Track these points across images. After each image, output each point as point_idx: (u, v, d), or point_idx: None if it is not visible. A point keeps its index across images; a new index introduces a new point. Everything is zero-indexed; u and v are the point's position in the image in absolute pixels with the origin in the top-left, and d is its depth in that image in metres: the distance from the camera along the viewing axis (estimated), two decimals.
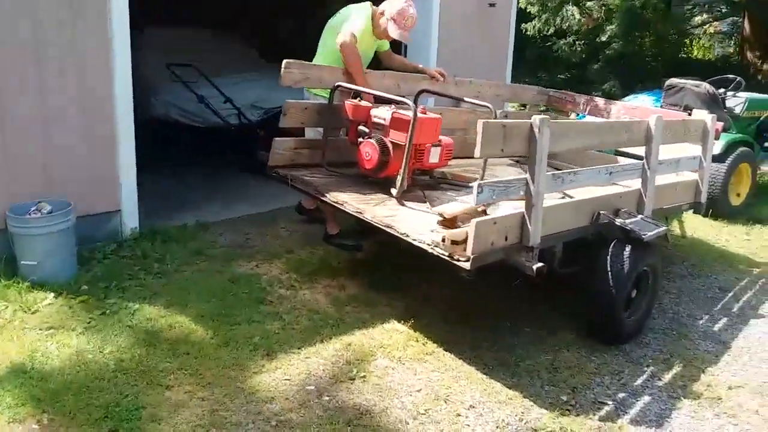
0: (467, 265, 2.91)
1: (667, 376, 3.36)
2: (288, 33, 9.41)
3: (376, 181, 3.83)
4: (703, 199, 4.55)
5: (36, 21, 3.79)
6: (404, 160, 3.53)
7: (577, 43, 10.42)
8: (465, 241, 2.97)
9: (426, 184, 4.00)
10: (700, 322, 3.99)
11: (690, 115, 5.26)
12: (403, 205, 3.60)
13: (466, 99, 4.22)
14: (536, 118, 3.02)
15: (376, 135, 3.71)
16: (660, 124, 3.85)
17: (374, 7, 4.33)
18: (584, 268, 3.60)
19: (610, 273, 3.46)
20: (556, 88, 10.18)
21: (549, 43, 10.74)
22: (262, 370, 3.08)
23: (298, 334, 3.41)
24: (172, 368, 3.02)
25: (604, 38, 10.00)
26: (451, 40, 6.22)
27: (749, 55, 10.81)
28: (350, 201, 3.53)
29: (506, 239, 3.08)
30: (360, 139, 3.77)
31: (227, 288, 3.81)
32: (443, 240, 2.98)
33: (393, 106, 3.83)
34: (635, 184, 3.90)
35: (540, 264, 3.08)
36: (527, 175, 3.08)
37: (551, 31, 10.42)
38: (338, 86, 3.90)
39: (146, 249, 4.20)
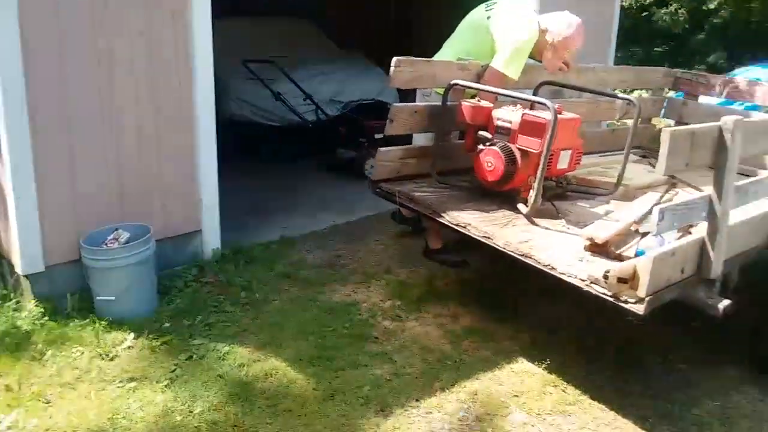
0: (640, 309, 2.27)
1: None
2: (367, 16, 8.82)
3: (496, 194, 3.23)
4: None
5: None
6: (539, 172, 2.90)
7: (679, 11, 9.35)
8: (634, 277, 2.33)
9: (553, 194, 3.36)
10: None
11: None
12: (535, 224, 2.98)
13: (604, 92, 3.57)
14: (727, 120, 2.33)
15: (500, 141, 3.10)
16: None
17: (539, 19, 3.55)
18: (755, 294, 2.91)
19: None
20: (652, 62, 9.20)
21: (645, 14, 9.71)
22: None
23: (413, 381, 2.86)
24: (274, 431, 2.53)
25: (712, 5, 8.91)
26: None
27: None
28: (474, 222, 2.93)
29: (683, 272, 2.43)
30: (480, 146, 3.16)
31: (324, 321, 3.30)
32: (605, 276, 2.35)
33: (518, 105, 3.21)
34: None
35: (727, 301, 2.41)
36: (712, 193, 2.41)
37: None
38: (454, 84, 3.28)
39: (230, 273, 3.74)
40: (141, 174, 3.58)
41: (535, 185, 2.92)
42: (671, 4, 9.40)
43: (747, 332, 3.01)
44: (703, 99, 4.86)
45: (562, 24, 3.52)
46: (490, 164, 3.04)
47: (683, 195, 3.39)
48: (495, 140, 3.09)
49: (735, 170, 2.38)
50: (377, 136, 5.74)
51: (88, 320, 3.18)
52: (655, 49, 9.94)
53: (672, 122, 4.84)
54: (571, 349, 3.15)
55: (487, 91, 3.29)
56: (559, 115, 2.87)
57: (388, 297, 3.58)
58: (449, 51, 3.73)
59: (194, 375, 2.85)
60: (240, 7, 6.96)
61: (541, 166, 2.88)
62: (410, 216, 4.22)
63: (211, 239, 3.94)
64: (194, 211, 3.84)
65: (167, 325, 3.23)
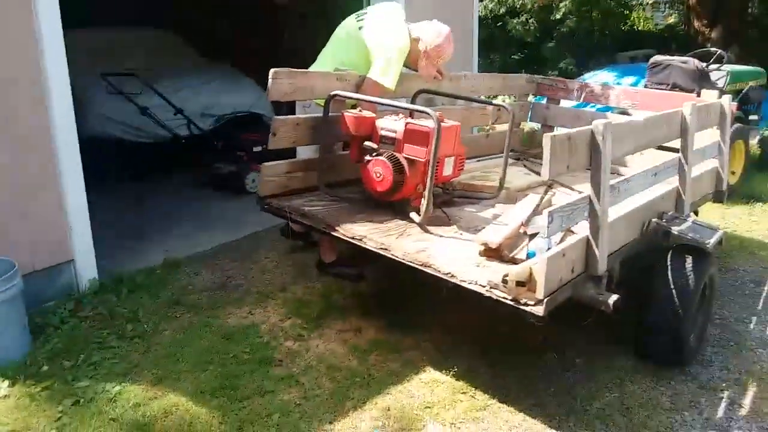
0: (539, 311, 2.38)
1: (747, 402, 2.96)
2: (229, 27, 8.58)
3: (386, 204, 3.26)
4: (725, 186, 4.21)
5: None
6: (429, 180, 2.97)
7: (530, 21, 10.04)
8: (530, 279, 2.45)
9: (441, 200, 3.45)
10: (751, 326, 3.63)
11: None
12: (429, 232, 3.05)
13: (478, 99, 3.71)
14: (597, 124, 2.52)
15: (386, 151, 3.13)
16: (695, 113, 3.45)
17: (410, 28, 3.63)
18: (635, 286, 3.16)
19: (674, 290, 3.04)
20: (510, 69, 9.77)
21: (500, 24, 10.32)
22: None
23: (323, 403, 2.81)
24: None
25: (558, 15, 9.64)
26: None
27: (696, 23, 10.74)
28: (369, 234, 2.94)
29: (573, 271, 2.58)
30: (366, 157, 3.18)
31: (223, 348, 3.16)
32: (504, 281, 2.45)
33: (401, 114, 3.26)
34: (672, 181, 3.50)
35: (616, 296, 2.60)
36: (591, 193, 2.59)
37: (503, 10, 10.00)
38: (335, 95, 3.27)
39: (112, 305, 3.47)
40: None
41: (426, 193, 2.98)
42: (522, 15, 10.09)
43: (632, 322, 3.20)
44: (562, 102, 5.24)
45: (433, 33, 3.63)
46: (378, 174, 3.07)
47: (561, 195, 3.62)
48: (381, 150, 3.11)
49: (609, 170, 2.58)
50: (256, 149, 5.63)
51: None
52: (512, 56, 10.60)
53: (538, 125, 5.17)
54: (475, 354, 3.20)
55: (368, 101, 3.31)
56: (441, 123, 2.95)
57: (287, 316, 3.49)
58: (324, 62, 3.72)
59: (84, 421, 2.61)
60: (97, 18, 6.51)
61: (429, 174, 2.94)
62: (301, 230, 4.15)
63: (87, 269, 3.65)
64: (64, 239, 3.55)
65: (45, 368, 2.94)
